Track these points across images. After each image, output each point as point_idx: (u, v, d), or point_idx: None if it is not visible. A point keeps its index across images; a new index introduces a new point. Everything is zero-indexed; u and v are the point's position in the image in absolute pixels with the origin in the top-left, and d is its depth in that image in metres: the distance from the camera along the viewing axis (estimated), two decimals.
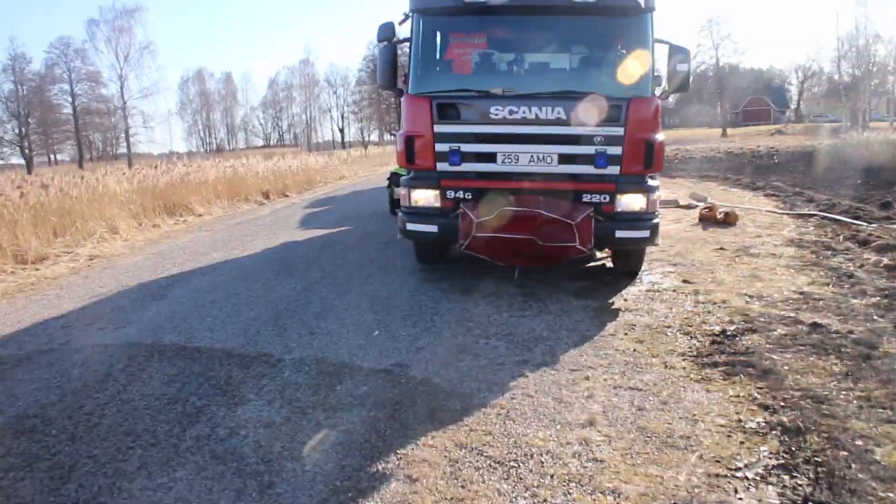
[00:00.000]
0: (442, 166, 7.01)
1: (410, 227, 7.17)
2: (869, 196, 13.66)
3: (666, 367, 5.15)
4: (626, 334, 5.87)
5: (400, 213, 7.36)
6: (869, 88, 45.30)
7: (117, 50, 60.66)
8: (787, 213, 12.25)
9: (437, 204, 7.08)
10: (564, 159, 6.89)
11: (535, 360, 5.24)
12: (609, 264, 8.39)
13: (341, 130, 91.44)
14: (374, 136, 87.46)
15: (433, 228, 7.06)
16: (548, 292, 7.17)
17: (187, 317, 6.41)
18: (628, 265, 7.80)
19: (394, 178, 13.28)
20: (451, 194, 7.04)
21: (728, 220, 11.15)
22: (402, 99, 7.35)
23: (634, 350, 5.49)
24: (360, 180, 26.96)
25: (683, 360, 5.29)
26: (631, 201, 6.97)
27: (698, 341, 5.68)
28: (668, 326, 6.06)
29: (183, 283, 7.94)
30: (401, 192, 7.34)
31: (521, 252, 6.79)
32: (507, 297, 7.02)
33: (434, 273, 8.05)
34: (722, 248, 9.25)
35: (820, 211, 12.03)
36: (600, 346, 5.59)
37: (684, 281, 7.62)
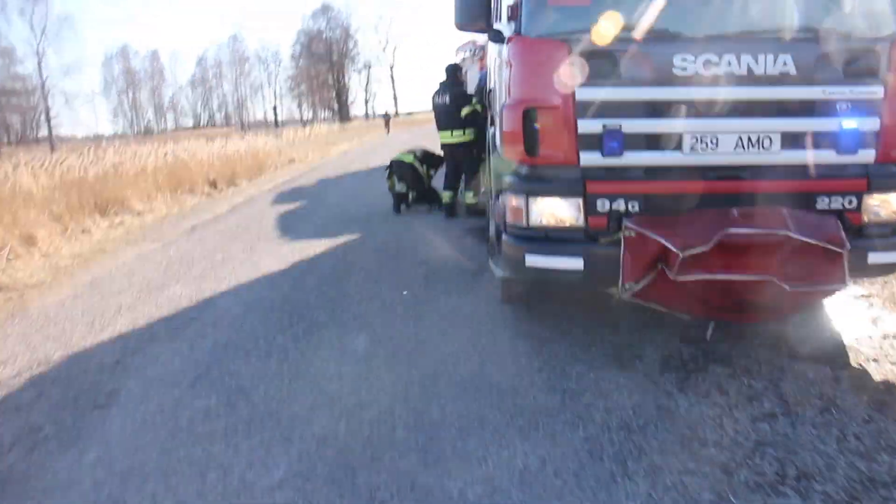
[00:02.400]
0: (589, 158, 3.98)
1: (533, 260, 4.10)
2: None
3: None
4: None
5: (507, 239, 4.29)
6: None
7: (32, 22, 54.07)
8: None
9: (580, 222, 4.05)
10: (791, 141, 3.96)
11: None
12: None
13: (275, 109, 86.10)
14: (308, 115, 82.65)
15: (576, 263, 4.02)
16: (739, 349, 4.29)
17: (161, 490, 3.18)
18: None
19: (395, 168, 10.08)
20: (603, 205, 4.01)
21: None
22: (509, 46, 4.23)
23: None
24: (317, 164, 23.39)
25: None
26: (890, 205, 4.12)
27: None
28: None
29: (140, 362, 4.66)
30: (508, 202, 4.26)
31: (742, 302, 3.85)
32: (694, 367, 4.10)
33: (537, 321, 5.02)
34: None
35: None
36: None
37: None
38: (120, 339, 5.15)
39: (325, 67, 76.34)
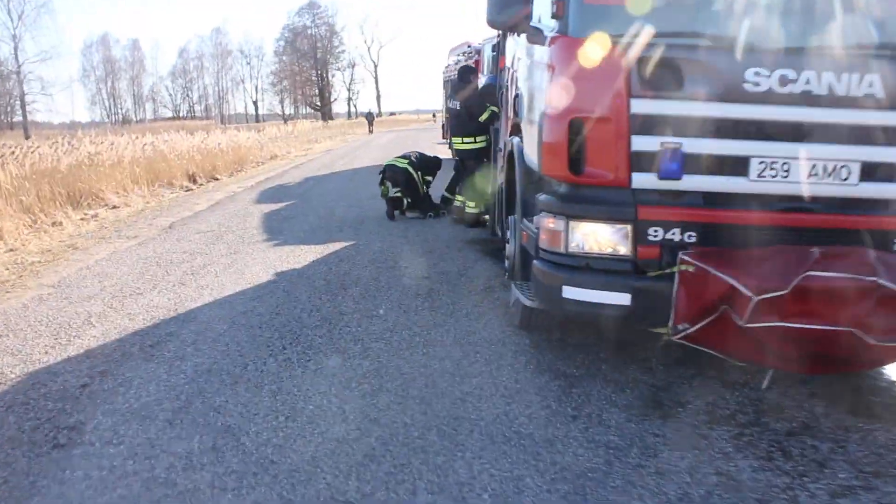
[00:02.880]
0: (642, 180, 3.46)
1: (572, 293, 3.57)
2: None
3: None
4: None
5: (541, 266, 3.74)
6: None
7: (10, 7, 52.40)
8: None
9: (628, 251, 3.52)
10: (872, 172, 3.47)
11: None
12: None
13: (255, 103, 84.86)
14: (290, 111, 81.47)
15: (621, 299, 3.49)
16: (791, 398, 3.79)
17: None
18: None
19: (389, 173, 9.47)
20: (656, 234, 3.48)
21: None
22: (553, 48, 3.69)
23: None
24: (300, 161, 22.68)
25: None
26: None
27: None
28: None
29: (110, 387, 4.01)
30: (544, 224, 3.71)
31: (814, 353, 3.34)
32: (745, 419, 3.58)
33: (559, 353, 4.47)
34: None
35: None
36: None
37: None
38: (88, 357, 4.49)
39: (308, 64, 75.33)
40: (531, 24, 3.87)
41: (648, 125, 3.38)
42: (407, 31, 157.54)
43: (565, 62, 3.55)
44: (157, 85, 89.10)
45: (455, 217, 8.98)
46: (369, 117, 48.74)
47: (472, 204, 8.67)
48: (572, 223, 3.54)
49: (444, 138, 22.90)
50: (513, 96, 5.11)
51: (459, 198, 8.93)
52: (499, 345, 4.58)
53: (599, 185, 3.50)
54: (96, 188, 12.80)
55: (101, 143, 16.75)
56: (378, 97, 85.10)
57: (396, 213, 9.50)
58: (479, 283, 6.05)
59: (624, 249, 3.50)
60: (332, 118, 73.43)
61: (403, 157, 9.73)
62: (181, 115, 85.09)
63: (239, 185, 15.32)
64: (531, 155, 4.18)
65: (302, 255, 7.33)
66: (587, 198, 3.55)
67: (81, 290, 6.23)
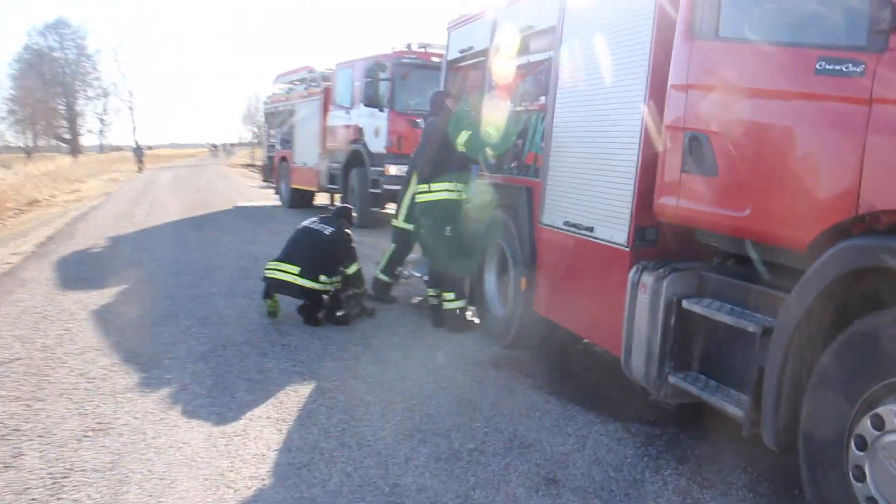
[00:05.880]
0: None
1: None
2: None
3: None
4: None
5: None
6: None
7: None
8: None
9: None
10: None
11: None
12: None
13: None
14: (29, 143, 68.13)
15: None
16: None
17: None
18: None
19: (274, 288, 5.95)
20: None
21: None
22: None
23: None
24: (78, 209, 17.23)
25: None
26: None
27: None
28: None
29: None
30: None
31: None
32: None
33: None
34: None
35: None
36: None
37: None
38: None
39: (54, 91, 63.39)
40: None
41: None
42: (164, 60, 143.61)
43: None
44: None
45: (433, 322, 5.97)
46: (138, 152, 41.67)
47: (450, 296, 5.77)
48: None
49: (266, 181, 19.06)
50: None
51: (430, 292, 5.97)
52: None
53: None
54: None
55: None
56: (134, 129, 74.98)
57: (320, 313, 6.04)
58: (614, 463, 3.27)
59: None
60: (81, 152, 62.73)
61: (284, 259, 5.89)
62: None
63: (10, 251, 10.37)
64: None
65: (249, 429, 3.82)
66: None
67: None
